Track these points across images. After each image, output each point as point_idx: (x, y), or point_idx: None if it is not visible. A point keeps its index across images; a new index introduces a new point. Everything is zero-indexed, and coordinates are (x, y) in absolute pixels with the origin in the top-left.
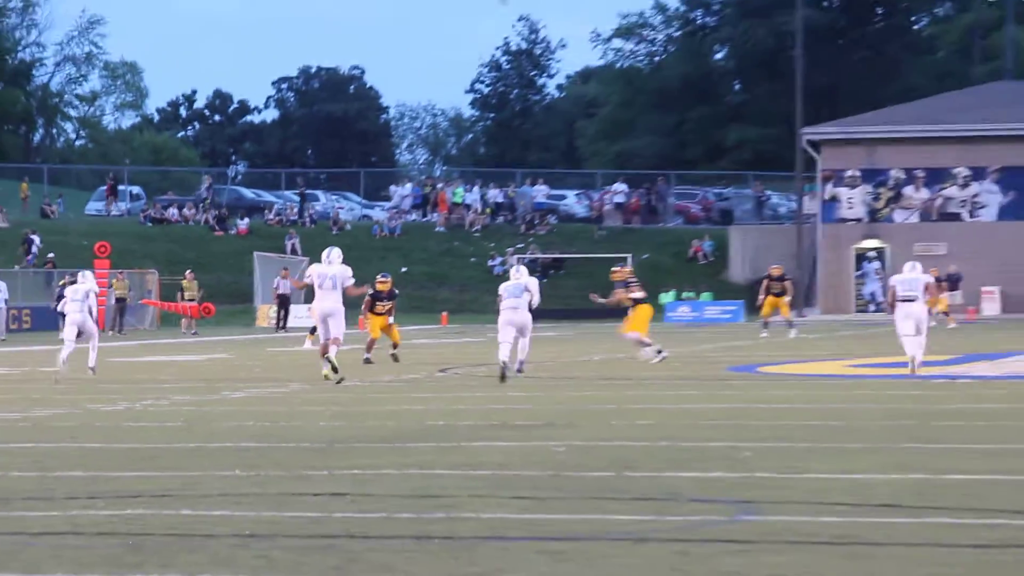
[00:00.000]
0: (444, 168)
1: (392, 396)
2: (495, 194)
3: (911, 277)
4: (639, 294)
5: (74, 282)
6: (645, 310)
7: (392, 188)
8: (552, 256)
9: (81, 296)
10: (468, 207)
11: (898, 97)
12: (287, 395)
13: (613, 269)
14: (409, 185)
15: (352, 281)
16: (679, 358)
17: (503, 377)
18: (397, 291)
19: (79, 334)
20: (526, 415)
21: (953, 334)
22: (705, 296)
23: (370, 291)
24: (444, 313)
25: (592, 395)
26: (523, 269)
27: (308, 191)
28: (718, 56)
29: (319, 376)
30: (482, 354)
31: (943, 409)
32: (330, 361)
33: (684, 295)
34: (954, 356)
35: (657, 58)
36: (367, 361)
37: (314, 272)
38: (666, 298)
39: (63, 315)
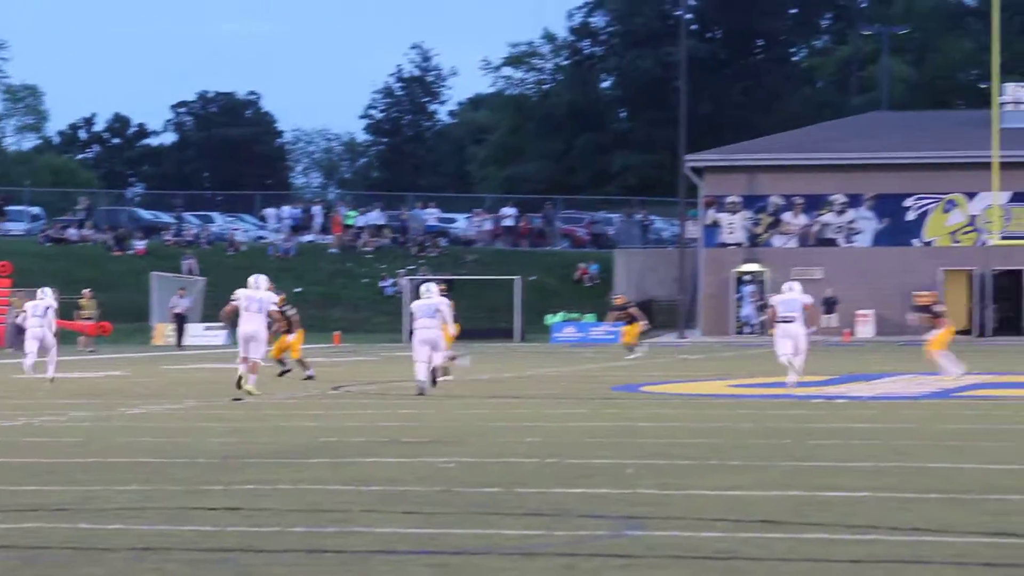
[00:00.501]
0: (338, 191)
1: (286, 413)
2: (383, 216)
3: (790, 298)
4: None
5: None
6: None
7: (268, 211)
8: (442, 278)
9: (41, 312)
10: (361, 229)
11: (778, 126)
12: (183, 412)
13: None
14: (287, 208)
15: (275, 307)
16: (565, 377)
17: (421, 393)
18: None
19: (40, 347)
20: (416, 432)
21: (830, 355)
22: (590, 317)
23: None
24: (336, 333)
25: (481, 412)
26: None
27: (204, 212)
28: (605, 85)
29: (214, 393)
30: (374, 373)
31: (820, 428)
32: (240, 379)
33: (570, 316)
34: (831, 377)
35: (546, 86)
36: (310, 377)
37: (242, 296)
38: (552, 319)
39: (24, 330)
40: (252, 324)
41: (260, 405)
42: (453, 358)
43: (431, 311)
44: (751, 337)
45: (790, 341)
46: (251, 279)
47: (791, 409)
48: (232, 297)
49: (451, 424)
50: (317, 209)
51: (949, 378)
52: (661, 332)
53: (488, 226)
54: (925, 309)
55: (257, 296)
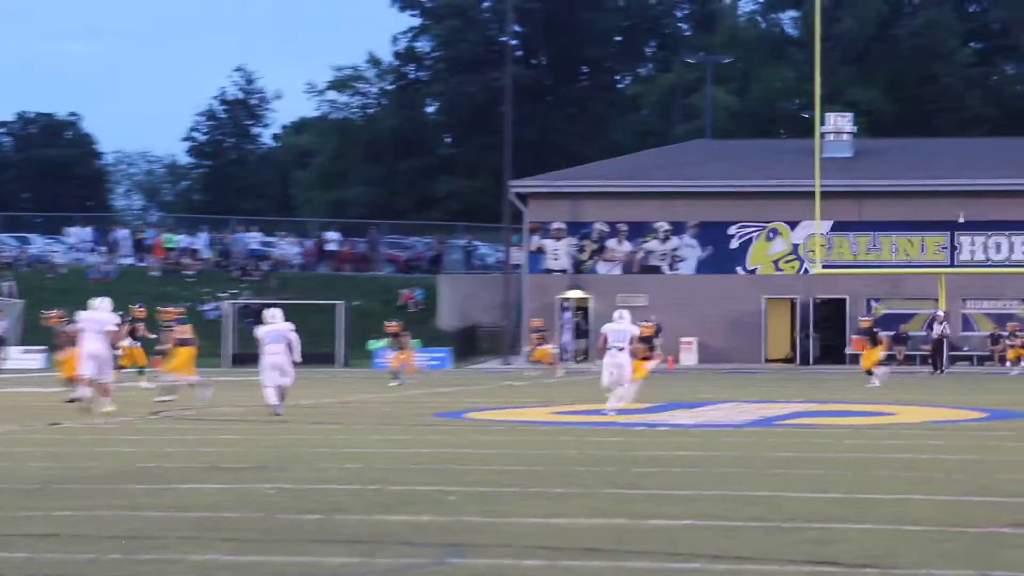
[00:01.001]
0: (159, 214)
1: (104, 438)
2: (205, 239)
3: (620, 327)
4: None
5: None
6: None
7: (69, 229)
8: (265, 302)
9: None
10: (183, 252)
11: (603, 152)
12: (0, 437)
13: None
14: (89, 229)
15: (115, 327)
16: (388, 404)
17: (277, 415)
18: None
19: None
20: (236, 457)
21: (653, 383)
22: (414, 343)
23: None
24: (157, 357)
25: (303, 439)
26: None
27: (22, 234)
28: (430, 110)
29: (32, 417)
30: (194, 397)
31: (643, 455)
32: (80, 400)
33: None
34: (653, 404)
35: (371, 110)
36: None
37: (82, 317)
38: (375, 345)
39: None
40: (93, 345)
41: (77, 430)
42: (192, 384)
43: (279, 337)
44: (573, 365)
45: (615, 369)
46: (95, 301)
47: (614, 436)
48: (73, 319)
49: (272, 450)
50: (125, 232)
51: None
52: (486, 358)
53: (301, 249)
54: (867, 332)
55: (95, 317)
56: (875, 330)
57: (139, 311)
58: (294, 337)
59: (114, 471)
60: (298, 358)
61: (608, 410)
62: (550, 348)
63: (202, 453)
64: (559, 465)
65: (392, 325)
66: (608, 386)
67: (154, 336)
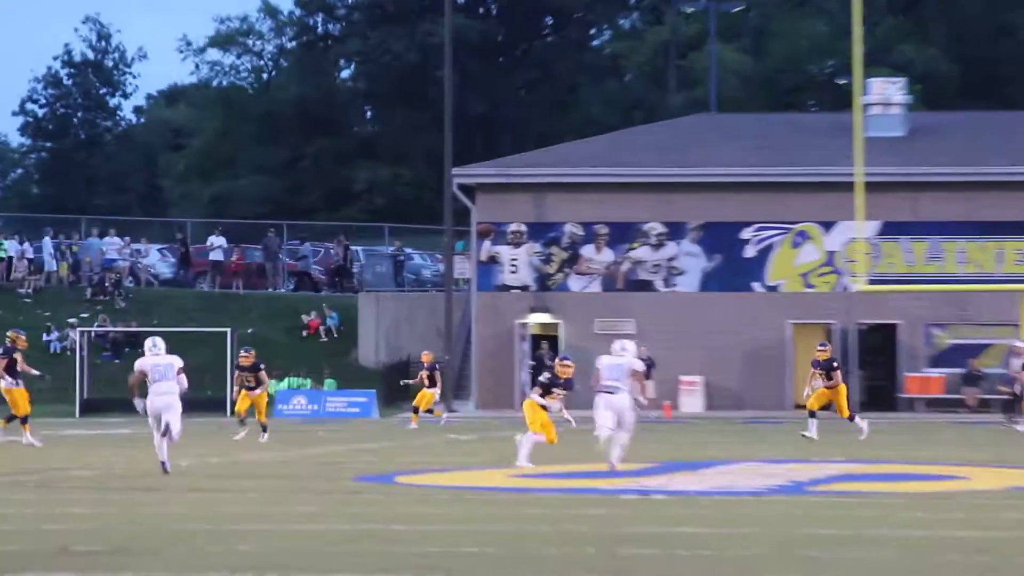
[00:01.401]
0: None
1: None
2: (48, 246)
3: (616, 362)
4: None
5: None
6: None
7: None
8: (128, 330)
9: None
10: (16, 263)
11: (574, 131)
12: None
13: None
14: None
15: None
16: (294, 464)
17: (166, 472)
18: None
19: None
20: (92, 537)
21: (647, 435)
22: (328, 384)
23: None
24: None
25: (180, 512)
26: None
27: None
28: (344, 75)
29: None
30: (35, 457)
31: (634, 533)
32: None
33: (299, 383)
34: (648, 464)
35: (266, 75)
36: None
37: None
38: (275, 386)
39: None
40: None
41: None
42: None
43: (169, 372)
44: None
45: (611, 414)
46: None
47: (595, 508)
48: None
49: (139, 527)
50: None
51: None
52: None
53: (174, 259)
54: (825, 365)
55: None
56: (835, 363)
57: (20, 339)
58: (182, 380)
59: None
60: (184, 386)
61: (613, 463)
62: (434, 391)
63: (48, 532)
64: (522, 546)
65: (245, 357)
66: (605, 434)
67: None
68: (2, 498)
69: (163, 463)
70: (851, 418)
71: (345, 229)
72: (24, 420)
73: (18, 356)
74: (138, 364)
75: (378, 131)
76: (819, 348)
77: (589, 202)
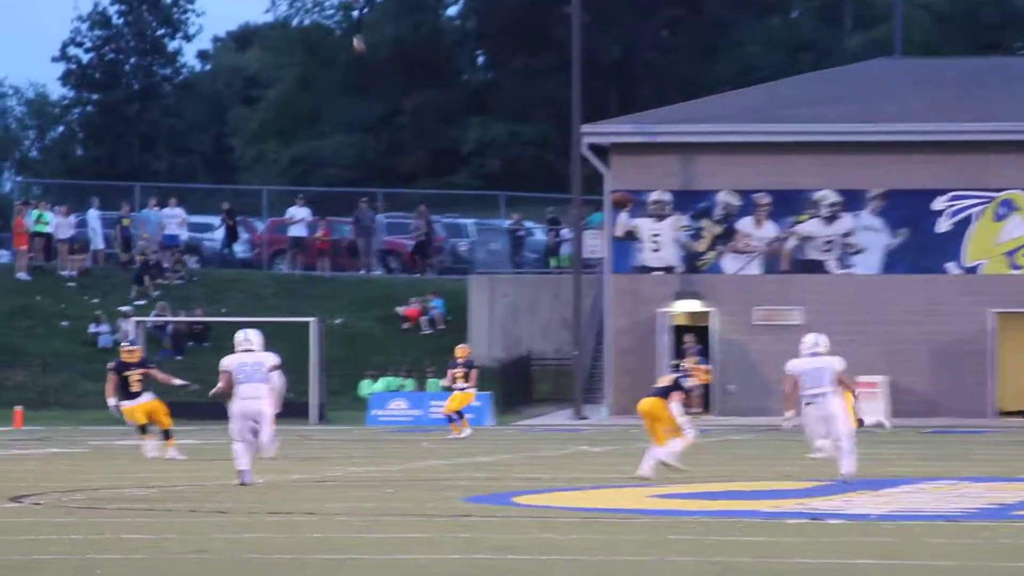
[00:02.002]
0: (18, 179)
1: None
2: (96, 219)
3: (818, 365)
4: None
5: None
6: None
7: None
8: (191, 320)
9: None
10: (61, 241)
11: (728, 80)
12: None
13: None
14: None
15: None
16: (390, 480)
17: (243, 484)
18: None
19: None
20: (148, 569)
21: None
22: (433, 384)
23: None
24: (17, 408)
25: (255, 539)
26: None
27: None
28: (451, 12)
29: None
30: (80, 473)
31: (800, 566)
32: None
33: (398, 384)
34: (818, 483)
35: (356, 13)
36: None
37: None
38: (369, 388)
39: None
40: None
41: None
42: None
43: (259, 372)
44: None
45: (823, 425)
46: None
47: (754, 534)
48: None
49: (206, 557)
50: None
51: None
52: (546, 408)
53: (248, 234)
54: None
55: None
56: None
57: (133, 353)
58: (277, 379)
59: None
60: (276, 408)
61: (845, 476)
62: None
63: (95, 562)
64: None
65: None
66: (821, 453)
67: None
68: (42, 522)
69: (242, 472)
70: None
71: (451, 198)
72: (144, 430)
73: (133, 373)
74: (223, 364)
75: (492, 80)
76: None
77: (747, 166)
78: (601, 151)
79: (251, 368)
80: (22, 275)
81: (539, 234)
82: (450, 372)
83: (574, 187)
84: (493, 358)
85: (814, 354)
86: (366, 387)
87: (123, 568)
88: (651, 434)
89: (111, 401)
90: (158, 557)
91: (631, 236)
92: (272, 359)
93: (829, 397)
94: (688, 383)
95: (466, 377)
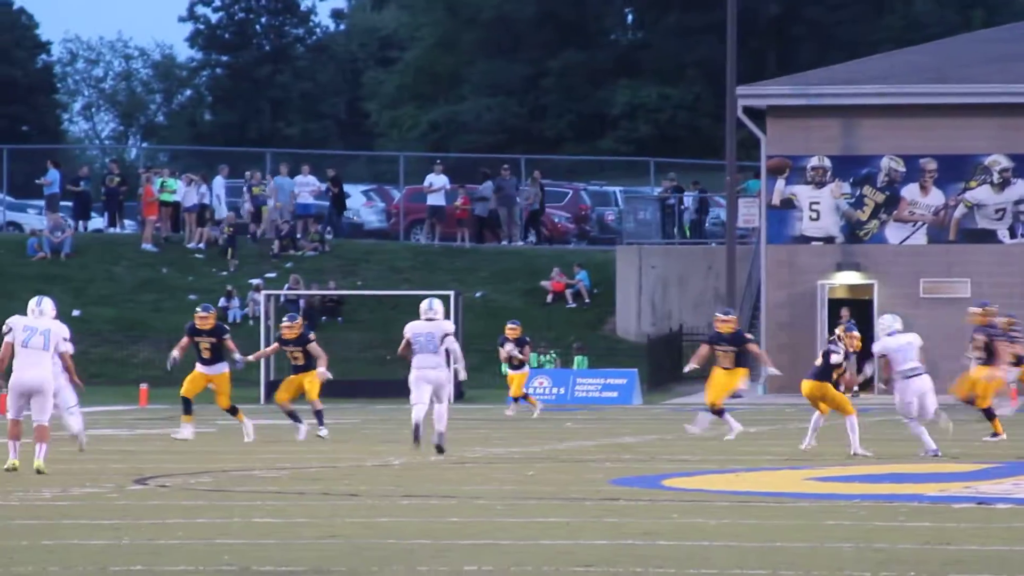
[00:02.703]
0: (144, 146)
1: (54, 523)
2: (224, 188)
3: (904, 342)
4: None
5: None
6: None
7: (52, 175)
8: (326, 293)
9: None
10: (188, 211)
11: (894, 39)
12: None
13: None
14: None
15: (70, 347)
16: (533, 462)
17: (416, 440)
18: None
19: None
20: (279, 554)
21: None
22: (578, 362)
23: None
24: (143, 386)
25: (390, 523)
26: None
27: None
28: None
29: None
30: (207, 453)
31: (967, 553)
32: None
33: (543, 360)
34: (989, 464)
35: None
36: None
37: (16, 325)
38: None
39: None
40: (33, 370)
41: (10, 511)
42: None
43: (433, 340)
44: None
45: (916, 400)
46: (32, 301)
47: (917, 520)
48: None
49: (339, 542)
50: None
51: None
52: (697, 387)
53: (383, 204)
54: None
55: (41, 327)
56: (745, 336)
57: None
58: (453, 345)
59: None
60: (463, 375)
61: (929, 451)
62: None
63: (222, 547)
64: (822, 569)
65: (290, 326)
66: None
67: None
68: (169, 505)
69: (417, 426)
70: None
71: (599, 164)
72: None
73: (204, 339)
74: (406, 330)
75: (642, 40)
76: (720, 319)
77: (913, 129)
78: (757, 114)
79: (425, 338)
80: (148, 246)
81: (689, 202)
82: (502, 351)
83: (728, 153)
84: (642, 333)
85: (894, 333)
86: (505, 366)
87: (252, 553)
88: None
89: (174, 352)
90: (288, 542)
91: (788, 204)
92: (447, 326)
93: (923, 372)
94: (836, 355)
95: (520, 355)
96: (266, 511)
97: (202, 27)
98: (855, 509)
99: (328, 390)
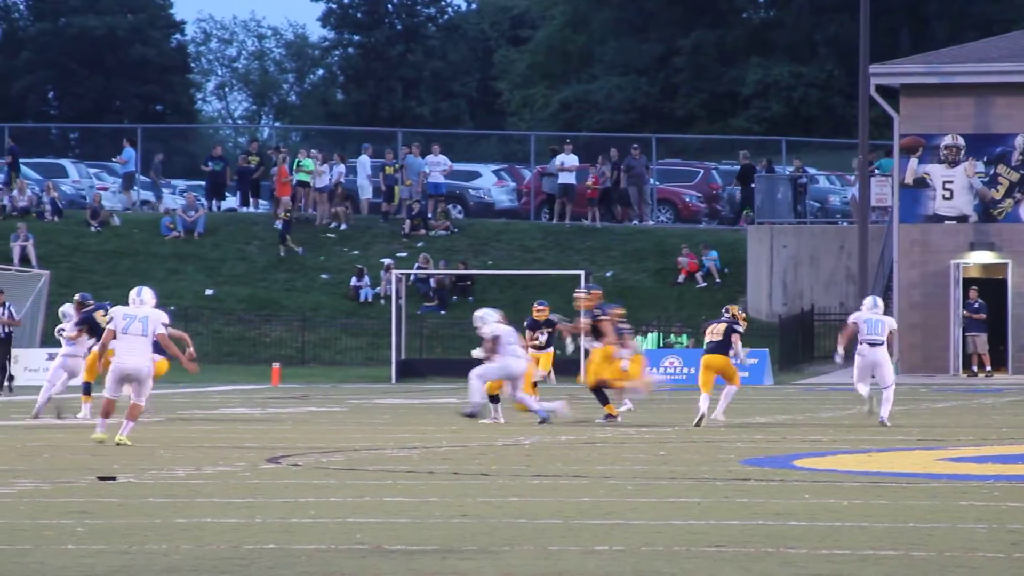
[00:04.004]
0: (277, 125)
1: (190, 503)
2: (367, 165)
3: (875, 317)
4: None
5: None
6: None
7: (125, 153)
8: (456, 273)
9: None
10: (318, 191)
11: None
12: (15, 500)
13: (577, 293)
14: (129, 150)
15: (165, 331)
16: (662, 442)
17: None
18: None
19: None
20: (411, 533)
21: None
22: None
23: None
24: (275, 365)
25: (520, 502)
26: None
27: (49, 160)
28: None
29: (66, 468)
30: (339, 432)
31: None
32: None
33: (673, 340)
34: None
35: None
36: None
37: (117, 315)
38: (643, 344)
39: None
40: (134, 356)
41: (144, 490)
42: None
43: (879, 327)
44: (986, 379)
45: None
46: (133, 291)
47: None
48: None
49: (470, 521)
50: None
51: None
52: (828, 367)
53: (514, 183)
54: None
55: (141, 314)
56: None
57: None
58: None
59: (205, 560)
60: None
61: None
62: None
63: (356, 526)
64: (955, 551)
65: (543, 310)
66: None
67: None
68: (301, 484)
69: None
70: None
71: (731, 145)
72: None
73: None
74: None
75: (774, 18)
76: (582, 295)
77: None
78: (890, 93)
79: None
80: (278, 225)
81: (823, 181)
82: (529, 334)
83: (861, 131)
84: (773, 313)
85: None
86: (639, 343)
87: (384, 532)
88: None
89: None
90: (420, 521)
91: (921, 183)
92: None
93: (881, 347)
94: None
95: (548, 338)
96: (397, 490)
97: (334, 6)
98: (988, 490)
99: (454, 370)
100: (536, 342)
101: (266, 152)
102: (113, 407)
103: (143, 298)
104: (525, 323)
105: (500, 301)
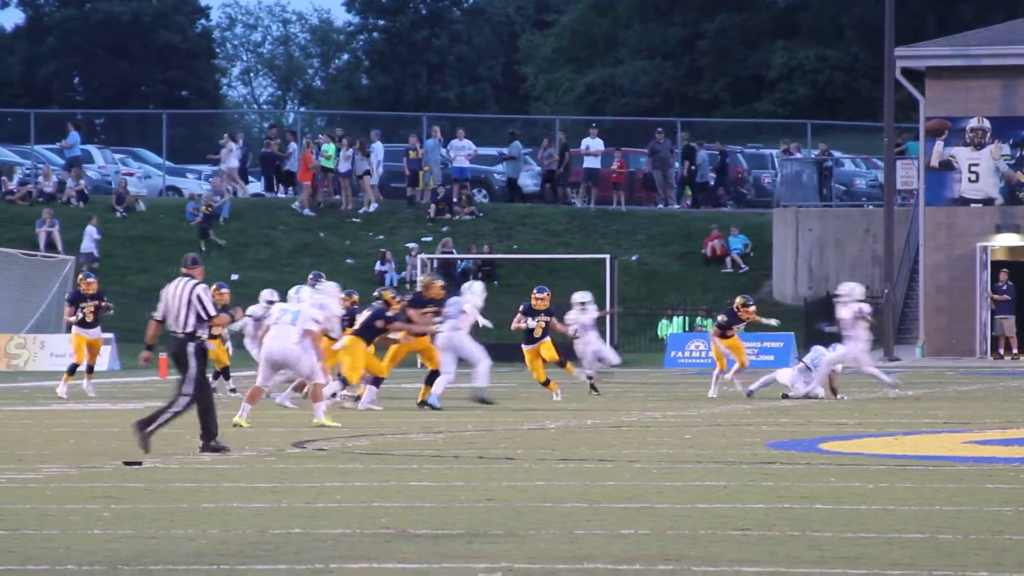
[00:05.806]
0: (302, 111)
1: (215, 488)
2: (381, 152)
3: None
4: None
5: None
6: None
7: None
8: (480, 257)
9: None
10: (343, 176)
11: None
12: (42, 486)
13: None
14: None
15: (315, 325)
16: (688, 425)
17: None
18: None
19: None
20: (436, 517)
21: None
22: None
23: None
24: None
25: (545, 487)
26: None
27: (83, 148)
28: None
29: (93, 453)
30: (364, 416)
31: None
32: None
33: (698, 323)
34: None
35: None
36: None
37: (275, 311)
38: (668, 328)
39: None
40: (278, 342)
41: (170, 474)
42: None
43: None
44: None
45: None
46: (292, 289)
47: None
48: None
49: (496, 505)
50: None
51: None
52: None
53: (538, 167)
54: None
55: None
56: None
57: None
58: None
59: (233, 543)
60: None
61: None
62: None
63: (380, 509)
64: (981, 533)
65: (543, 299)
66: None
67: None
68: (328, 468)
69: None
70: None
71: (754, 127)
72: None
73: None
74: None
75: (799, 2)
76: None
77: None
78: (916, 76)
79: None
80: (305, 211)
81: (848, 164)
82: (519, 317)
83: (886, 114)
84: (798, 296)
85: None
86: (664, 328)
87: (409, 516)
88: None
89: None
90: (445, 505)
91: (947, 166)
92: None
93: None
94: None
95: (545, 328)
96: (423, 474)
97: None
98: (1015, 472)
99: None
100: (522, 325)
101: (283, 136)
102: (260, 394)
103: (300, 296)
104: (520, 307)
105: (525, 285)
